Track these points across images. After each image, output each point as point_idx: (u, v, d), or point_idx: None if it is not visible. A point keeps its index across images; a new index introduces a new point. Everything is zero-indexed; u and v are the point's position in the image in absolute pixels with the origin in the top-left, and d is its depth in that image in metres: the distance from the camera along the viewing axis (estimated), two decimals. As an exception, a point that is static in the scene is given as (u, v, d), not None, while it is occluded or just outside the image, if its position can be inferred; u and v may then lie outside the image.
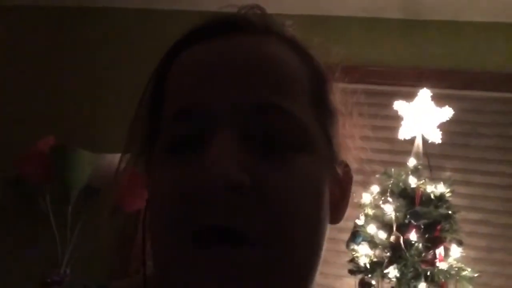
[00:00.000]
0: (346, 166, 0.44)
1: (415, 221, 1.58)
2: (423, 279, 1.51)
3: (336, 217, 0.42)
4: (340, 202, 0.42)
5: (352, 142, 0.45)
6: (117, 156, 1.97)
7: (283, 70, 0.38)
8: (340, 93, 0.44)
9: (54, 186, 1.96)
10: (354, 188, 0.45)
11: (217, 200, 0.33)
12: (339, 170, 0.42)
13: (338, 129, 0.43)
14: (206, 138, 0.35)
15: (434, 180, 1.69)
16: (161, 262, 0.37)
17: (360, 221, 1.64)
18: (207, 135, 0.35)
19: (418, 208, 1.60)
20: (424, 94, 1.78)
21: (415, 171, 1.68)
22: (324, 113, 0.41)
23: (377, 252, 1.59)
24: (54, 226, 1.93)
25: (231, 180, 0.33)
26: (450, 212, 1.61)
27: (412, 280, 1.51)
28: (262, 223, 0.33)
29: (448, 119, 1.76)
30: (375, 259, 1.58)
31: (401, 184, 1.66)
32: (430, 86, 1.81)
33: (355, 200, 1.65)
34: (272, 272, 0.34)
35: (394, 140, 1.84)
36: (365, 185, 1.68)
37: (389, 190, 1.66)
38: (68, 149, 1.92)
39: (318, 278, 0.39)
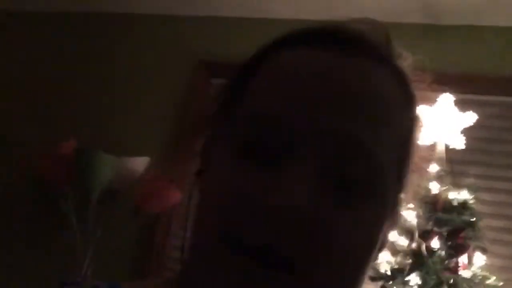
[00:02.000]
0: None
1: (437, 228, 1.56)
2: (446, 287, 1.48)
3: (379, 248, 0.40)
4: (385, 237, 0.40)
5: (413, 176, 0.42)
6: (139, 159, 2.01)
7: (385, 108, 0.36)
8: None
9: (76, 188, 1.99)
10: None
11: (281, 225, 0.32)
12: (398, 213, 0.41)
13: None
14: (284, 154, 0.33)
15: (457, 186, 1.66)
16: (195, 253, 0.37)
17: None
18: (287, 150, 0.33)
19: (440, 214, 1.58)
20: (446, 99, 1.76)
21: (438, 177, 1.66)
22: (406, 154, 0.39)
23: (399, 259, 1.58)
24: (76, 228, 1.96)
25: (303, 212, 0.31)
26: (473, 219, 1.59)
27: (434, 288, 1.49)
28: (311, 255, 0.33)
29: (471, 124, 1.74)
30: (396, 266, 1.57)
31: (423, 190, 1.64)
32: (452, 91, 1.78)
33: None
34: None
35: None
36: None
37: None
38: (90, 152, 1.94)
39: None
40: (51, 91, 2.28)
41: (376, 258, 0.40)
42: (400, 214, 0.42)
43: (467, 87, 1.91)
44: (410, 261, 1.54)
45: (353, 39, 0.37)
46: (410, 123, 0.39)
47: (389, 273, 1.56)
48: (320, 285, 0.33)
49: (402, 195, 0.40)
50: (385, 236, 0.40)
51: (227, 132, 0.38)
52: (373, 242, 0.36)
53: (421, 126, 0.41)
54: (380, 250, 0.40)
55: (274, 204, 0.31)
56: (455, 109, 1.75)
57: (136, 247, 2.05)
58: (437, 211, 1.59)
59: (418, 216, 1.58)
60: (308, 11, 1.98)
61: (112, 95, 2.25)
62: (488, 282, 1.50)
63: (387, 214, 0.37)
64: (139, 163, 1.99)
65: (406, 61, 0.40)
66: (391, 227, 0.41)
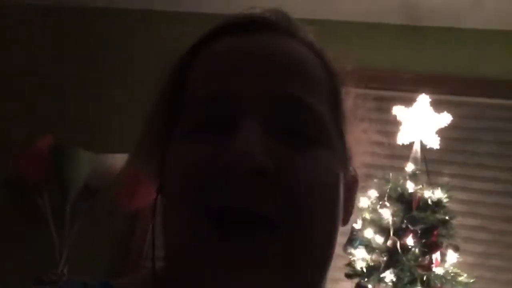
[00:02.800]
0: (353, 170, 0.46)
1: (412, 226, 1.59)
2: (419, 284, 1.51)
3: (344, 218, 0.43)
4: (346, 204, 0.43)
5: (358, 147, 0.46)
6: (116, 156, 1.99)
7: (308, 69, 0.41)
8: (351, 98, 0.46)
9: (52, 185, 1.96)
10: None
11: (241, 182, 0.34)
12: (349, 175, 0.44)
13: (349, 135, 0.45)
14: (233, 123, 0.37)
15: (432, 185, 1.69)
16: (176, 246, 0.38)
17: (358, 225, 1.65)
18: (235, 120, 0.37)
19: (415, 213, 1.61)
20: (423, 99, 1.79)
21: (413, 176, 1.69)
22: (339, 116, 0.43)
23: (374, 256, 1.60)
24: (52, 225, 1.93)
25: (257, 165, 0.34)
26: (447, 217, 1.62)
27: (408, 285, 1.51)
28: (282, 207, 0.35)
29: (446, 125, 1.77)
30: (371, 263, 1.59)
31: (399, 189, 1.66)
32: (429, 91, 1.81)
33: (353, 204, 1.65)
34: (292, 259, 0.35)
35: (393, 145, 1.84)
36: (363, 190, 1.69)
37: (387, 194, 1.66)
38: (67, 148, 1.92)
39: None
40: (28, 87, 2.24)
41: (348, 217, 0.44)
42: (356, 171, 0.45)
43: (443, 87, 1.95)
44: (385, 258, 1.57)
45: (266, 22, 0.44)
46: (331, 78, 0.44)
47: (364, 270, 1.58)
48: (298, 234, 0.35)
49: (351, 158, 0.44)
50: (349, 195, 0.44)
51: (180, 127, 0.41)
52: (334, 186, 0.39)
53: (344, 82, 0.46)
54: (349, 209, 0.44)
55: (232, 162, 0.34)
56: (431, 109, 1.78)
57: (114, 245, 2.03)
58: (412, 209, 1.62)
59: (393, 214, 1.61)
60: (294, 10, 1.99)
61: (90, 91, 2.23)
62: (460, 279, 1.53)
63: (338, 161, 0.41)
64: (118, 160, 1.97)
65: (310, 36, 0.46)
66: (353, 185, 0.45)
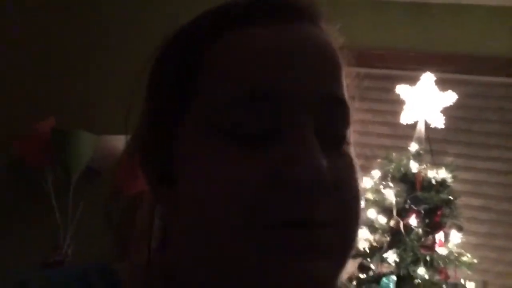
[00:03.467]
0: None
1: (415, 206, 1.58)
2: (422, 264, 1.51)
3: None
4: None
5: (356, 126, 0.45)
6: (118, 137, 1.98)
7: (338, 62, 0.39)
8: (349, 78, 0.44)
9: (55, 167, 1.96)
10: None
11: (307, 193, 0.33)
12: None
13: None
14: (285, 124, 0.35)
15: (435, 165, 1.68)
16: (220, 246, 0.35)
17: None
18: (288, 122, 0.35)
19: (418, 193, 1.59)
20: (428, 78, 1.76)
21: (417, 156, 1.67)
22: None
23: (377, 236, 1.59)
24: (56, 207, 1.94)
25: (328, 182, 0.34)
26: (451, 197, 1.61)
27: (411, 265, 1.51)
28: (337, 210, 0.36)
29: (451, 104, 1.74)
30: (374, 244, 1.58)
31: (402, 169, 1.65)
32: (433, 70, 1.78)
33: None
34: (345, 250, 0.36)
35: (396, 125, 1.82)
36: (366, 170, 1.67)
37: (390, 174, 1.65)
38: (68, 130, 1.91)
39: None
40: (28, 70, 2.23)
41: None
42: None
43: (448, 66, 1.91)
44: (388, 238, 1.56)
45: (301, 10, 0.39)
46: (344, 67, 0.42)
47: (367, 250, 1.58)
48: (346, 228, 0.36)
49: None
50: None
51: (199, 122, 0.37)
52: (360, 180, 0.39)
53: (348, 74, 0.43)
54: None
55: (300, 177, 0.33)
56: (436, 88, 1.75)
57: (117, 226, 2.04)
58: (415, 189, 1.61)
59: (396, 195, 1.59)
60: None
61: (91, 73, 2.21)
62: (463, 259, 1.53)
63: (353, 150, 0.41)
64: (120, 142, 1.96)
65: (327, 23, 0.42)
66: None
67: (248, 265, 0.34)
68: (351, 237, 0.37)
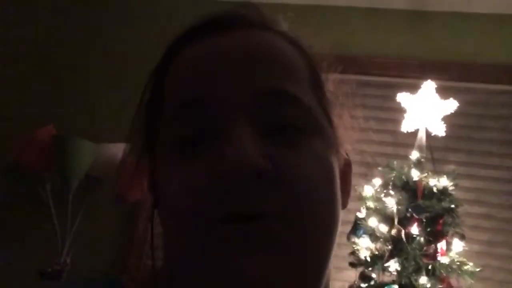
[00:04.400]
0: (346, 155, 0.46)
1: (417, 215, 1.57)
2: (424, 273, 1.49)
3: (343, 201, 0.43)
4: (343, 187, 0.43)
5: (350, 133, 0.46)
6: (118, 145, 1.97)
7: (285, 58, 0.40)
8: (334, 83, 0.45)
9: (54, 175, 1.95)
10: (355, 180, 0.45)
11: (245, 187, 0.34)
12: (341, 158, 0.44)
13: (336, 119, 0.44)
14: (221, 127, 0.36)
15: (437, 173, 1.67)
16: (181, 248, 0.37)
17: (361, 214, 1.63)
18: (220, 125, 0.36)
19: (420, 201, 1.58)
20: (428, 86, 1.76)
21: (418, 164, 1.66)
22: (323, 100, 0.43)
23: (378, 245, 1.58)
24: (54, 215, 1.93)
25: (254, 167, 0.34)
26: (452, 205, 1.59)
27: (413, 274, 1.50)
28: (284, 203, 0.35)
29: (452, 111, 1.74)
30: (376, 252, 1.57)
31: (403, 177, 1.64)
32: (434, 78, 1.78)
33: (357, 193, 1.64)
34: (295, 243, 0.35)
35: (397, 133, 1.82)
36: (367, 178, 1.66)
37: (391, 183, 1.64)
38: (68, 138, 1.91)
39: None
40: (29, 76, 2.23)
41: (347, 199, 0.44)
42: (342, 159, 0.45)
43: (449, 74, 1.91)
44: (389, 247, 1.55)
45: (237, 19, 0.42)
46: (309, 65, 0.43)
47: (368, 259, 1.56)
48: (298, 224, 0.35)
49: (342, 144, 0.44)
50: (345, 177, 0.44)
51: (162, 141, 0.40)
52: (331, 175, 0.39)
53: (327, 70, 0.45)
54: (346, 191, 0.44)
55: (232, 168, 0.33)
56: (437, 96, 1.75)
57: (117, 236, 2.03)
58: (417, 197, 1.60)
59: (398, 203, 1.58)
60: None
61: (91, 80, 2.21)
62: (465, 267, 1.51)
63: (329, 144, 0.40)
64: (120, 150, 1.96)
65: (283, 26, 0.45)
66: (347, 167, 0.45)
67: (198, 264, 0.36)
68: (308, 232, 0.36)
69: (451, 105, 1.73)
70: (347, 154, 0.45)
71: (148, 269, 0.47)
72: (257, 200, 0.34)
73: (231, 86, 0.37)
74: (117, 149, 1.95)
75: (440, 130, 1.72)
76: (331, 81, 0.45)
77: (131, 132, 0.45)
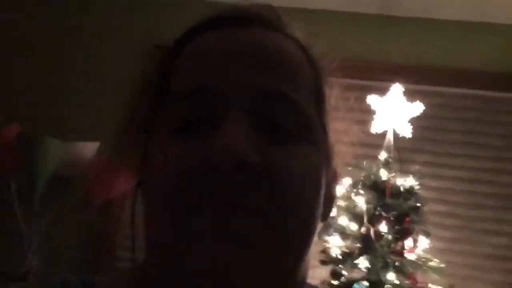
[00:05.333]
0: (334, 165, 0.46)
1: (385, 213, 1.62)
2: (392, 269, 1.54)
3: (324, 213, 0.43)
4: (327, 200, 0.43)
5: (339, 139, 0.46)
6: (87, 144, 1.94)
7: (291, 62, 0.41)
8: (335, 91, 0.47)
9: (20, 174, 1.90)
10: None
11: (229, 177, 0.34)
12: (331, 170, 0.44)
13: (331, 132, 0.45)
14: (216, 118, 0.37)
15: (404, 173, 1.72)
16: (157, 238, 0.38)
17: (332, 213, 1.66)
18: (218, 116, 0.37)
19: (388, 200, 1.63)
20: (396, 89, 1.81)
21: (386, 164, 1.71)
22: (322, 111, 0.44)
23: (348, 243, 1.62)
24: (20, 216, 1.87)
25: (242, 158, 0.34)
26: (418, 204, 1.65)
27: (382, 271, 1.54)
28: (264, 198, 0.35)
29: (418, 114, 1.80)
30: (346, 250, 1.61)
31: (372, 176, 1.68)
32: (402, 81, 1.84)
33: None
34: (270, 243, 0.35)
35: (367, 134, 1.86)
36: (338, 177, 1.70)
37: (360, 182, 1.68)
38: (35, 136, 1.86)
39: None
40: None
41: (329, 211, 0.44)
42: (337, 169, 0.46)
43: (415, 77, 1.97)
44: (359, 245, 1.59)
45: (253, 17, 0.43)
46: (315, 74, 0.44)
47: (339, 256, 1.60)
48: (277, 219, 0.36)
49: (332, 146, 0.45)
50: (330, 190, 0.44)
51: (161, 122, 0.41)
52: (316, 180, 0.39)
53: (329, 77, 0.46)
54: (329, 204, 0.44)
55: (219, 156, 0.34)
56: (404, 99, 1.80)
57: (85, 236, 1.99)
58: (385, 196, 1.65)
59: (367, 202, 1.63)
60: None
61: (61, 77, 2.16)
62: (431, 264, 1.57)
63: (322, 156, 0.41)
64: (89, 149, 1.92)
65: (295, 30, 0.46)
66: (333, 180, 0.45)
67: (172, 246, 0.36)
68: (285, 232, 0.36)
69: (418, 107, 1.79)
70: (335, 165, 0.46)
71: (120, 269, 0.47)
72: (239, 190, 0.35)
73: (237, 80, 0.38)
74: (86, 148, 1.92)
75: (407, 131, 1.78)
76: (334, 88, 0.46)
77: (120, 121, 0.45)
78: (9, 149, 1.86)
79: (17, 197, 1.90)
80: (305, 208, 0.38)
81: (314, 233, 0.39)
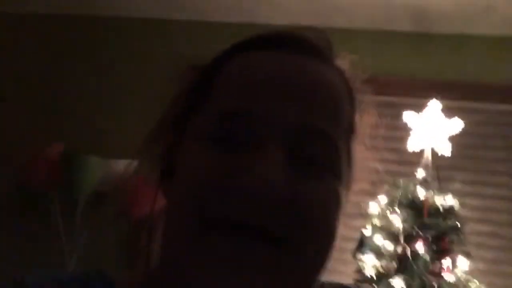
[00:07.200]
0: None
1: (422, 233, 1.58)
2: (429, 291, 1.50)
3: None
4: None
5: (365, 164, 0.47)
6: (126, 162, 1.98)
7: (336, 100, 0.41)
8: (368, 107, 0.47)
9: (63, 192, 1.97)
10: (361, 197, 0.46)
11: (260, 204, 0.35)
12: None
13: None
14: (255, 142, 0.38)
15: (443, 191, 1.68)
16: (172, 249, 0.39)
17: (367, 231, 1.64)
18: (258, 141, 0.38)
19: (426, 219, 1.60)
20: (434, 105, 1.78)
21: (424, 183, 1.68)
22: (351, 139, 0.44)
23: (384, 262, 1.59)
24: (62, 232, 1.94)
25: (278, 196, 0.35)
26: (458, 224, 1.60)
27: (419, 291, 1.50)
28: (291, 229, 0.36)
29: (458, 131, 1.76)
30: (381, 270, 1.58)
31: (409, 195, 1.65)
32: (440, 97, 1.81)
33: (363, 210, 1.65)
34: (289, 270, 0.37)
35: (404, 151, 1.83)
36: (373, 195, 1.68)
37: (397, 201, 1.65)
38: (77, 155, 1.94)
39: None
40: (39, 94, 2.27)
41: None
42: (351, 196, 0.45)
43: (454, 93, 1.93)
44: (395, 264, 1.56)
45: (304, 43, 0.43)
46: (353, 109, 0.44)
47: (374, 276, 1.57)
48: (302, 252, 0.37)
49: (353, 174, 0.45)
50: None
51: (196, 130, 0.41)
52: (338, 210, 0.40)
53: (362, 114, 0.46)
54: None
55: (254, 185, 0.35)
56: (443, 115, 1.77)
57: (122, 251, 2.04)
58: (422, 215, 1.61)
59: (403, 221, 1.60)
60: (296, 16, 2.00)
61: (100, 98, 2.25)
62: (470, 285, 1.51)
63: (344, 190, 0.42)
64: (127, 166, 1.98)
65: (344, 61, 0.46)
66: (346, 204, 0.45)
67: (187, 264, 0.36)
68: (306, 262, 0.37)
69: (457, 124, 1.75)
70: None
71: (134, 271, 0.47)
72: (264, 216, 0.35)
73: (283, 111, 0.38)
74: (125, 165, 1.98)
75: (446, 149, 1.74)
76: (370, 111, 0.47)
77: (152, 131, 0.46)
78: (53, 167, 1.95)
79: (60, 213, 1.97)
80: (326, 236, 0.39)
81: (330, 254, 0.40)
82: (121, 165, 2.04)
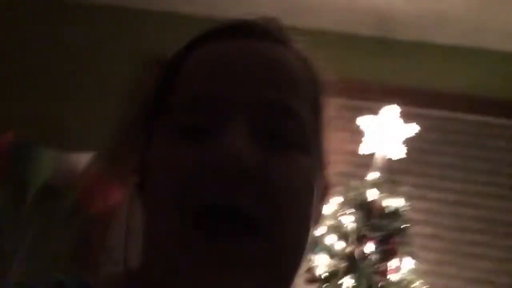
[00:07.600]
0: (327, 177, 0.48)
1: (372, 233, 1.63)
2: (376, 290, 1.55)
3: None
4: (316, 210, 0.45)
5: (333, 155, 0.48)
6: (81, 155, 1.93)
7: (293, 74, 0.43)
8: (331, 108, 0.48)
9: (9, 184, 1.89)
10: None
11: (229, 181, 0.36)
12: (323, 180, 0.46)
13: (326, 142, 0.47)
14: (220, 124, 0.39)
15: (392, 194, 1.74)
16: (159, 247, 0.39)
17: (318, 231, 1.68)
18: (221, 122, 0.39)
19: (375, 220, 1.65)
20: (388, 110, 1.83)
21: (375, 185, 1.73)
22: (319, 123, 0.46)
23: (334, 262, 1.63)
24: (5, 227, 1.85)
25: (245, 166, 0.36)
26: (404, 225, 1.67)
27: (366, 291, 1.55)
28: (265, 208, 0.37)
29: (409, 136, 1.82)
30: (331, 269, 1.62)
31: (360, 196, 1.70)
32: (395, 102, 1.86)
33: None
34: (273, 261, 0.37)
35: (357, 153, 1.88)
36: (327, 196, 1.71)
37: (349, 202, 1.70)
38: (27, 145, 1.86)
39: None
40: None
41: (316, 224, 0.45)
42: (330, 180, 0.47)
43: (408, 99, 2.00)
44: (344, 264, 1.60)
45: (257, 28, 0.46)
46: (314, 87, 0.46)
47: (325, 276, 1.61)
48: (278, 240, 0.38)
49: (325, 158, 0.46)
50: (320, 202, 0.46)
51: (163, 127, 0.42)
52: (310, 190, 0.41)
53: (327, 93, 0.48)
54: (317, 221, 0.46)
55: (222, 160, 0.36)
56: (396, 120, 1.82)
57: (73, 248, 1.97)
58: (372, 217, 1.66)
59: (354, 221, 1.64)
60: (262, 11, 2.00)
61: (56, 86, 2.17)
62: (414, 285, 1.58)
63: (315, 167, 0.43)
64: (82, 159, 1.92)
65: (297, 43, 0.48)
66: (325, 193, 0.47)
67: (177, 268, 0.37)
68: (284, 247, 0.38)
69: (411, 129, 1.81)
70: (328, 177, 0.48)
71: (112, 272, 0.47)
72: (235, 193, 0.36)
73: (242, 89, 0.40)
74: (80, 158, 1.92)
75: (399, 153, 1.79)
76: (330, 105, 0.48)
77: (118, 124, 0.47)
78: (1, 157, 1.86)
79: (4, 208, 1.88)
80: (298, 214, 0.39)
81: (307, 240, 0.41)
82: (77, 158, 1.98)
